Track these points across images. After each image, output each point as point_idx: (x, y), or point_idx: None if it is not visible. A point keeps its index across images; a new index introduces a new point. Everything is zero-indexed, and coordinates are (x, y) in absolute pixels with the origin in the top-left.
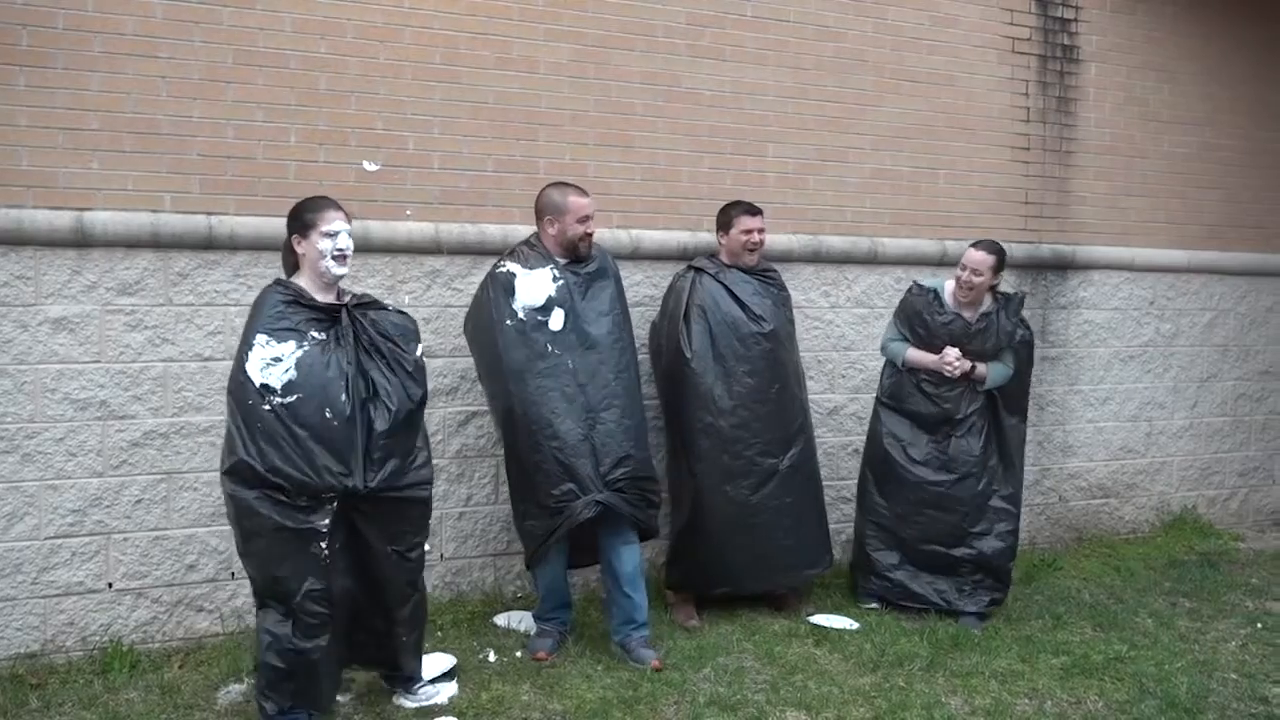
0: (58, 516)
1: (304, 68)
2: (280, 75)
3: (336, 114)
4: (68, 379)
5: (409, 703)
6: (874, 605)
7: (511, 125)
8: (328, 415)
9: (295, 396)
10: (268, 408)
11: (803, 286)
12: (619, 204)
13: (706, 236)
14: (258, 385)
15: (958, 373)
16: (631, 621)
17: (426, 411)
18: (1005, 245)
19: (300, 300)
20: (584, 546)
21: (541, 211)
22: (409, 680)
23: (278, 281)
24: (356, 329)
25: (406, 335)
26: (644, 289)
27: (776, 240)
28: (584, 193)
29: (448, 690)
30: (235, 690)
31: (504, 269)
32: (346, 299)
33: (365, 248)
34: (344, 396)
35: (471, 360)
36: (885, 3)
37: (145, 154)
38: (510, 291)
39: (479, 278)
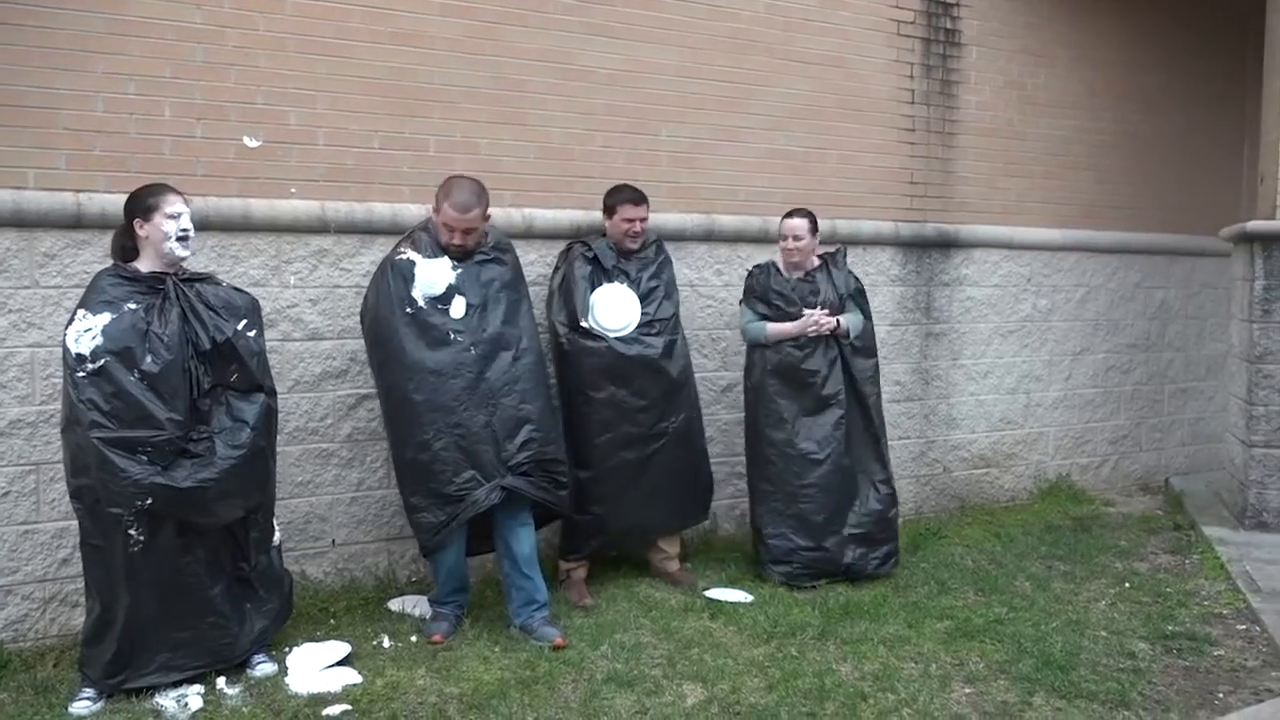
0: None
1: (179, 38)
2: (154, 46)
3: (214, 87)
4: None
5: (302, 690)
6: (784, 584)
7: (401, 101)
8: (134, 376)
9: (102, 361)
10: (83, 374)
11: (696, 265)
12: (511, 183)
13: (600, 215)
14: (74, 355)
15: (826, 328)
16: (533, 602)
17: (313, 395)
18: (893, 224)
19: (123, 275)
20: (481, 535)
21: (434, 199)
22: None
23: (113, 266)
24: (180, 299)
25: (231, 309)
26: (537, 268)
27: (669, 219)
28: (466, 207)
29: (342, 677)
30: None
31: (403, 256)
32: (178, 273)
33: (247, 227)
34: (150, 359)
35: (362, 343)
36: None
37: (6, 127)
38: (409, 280)
39: (369, 258)
